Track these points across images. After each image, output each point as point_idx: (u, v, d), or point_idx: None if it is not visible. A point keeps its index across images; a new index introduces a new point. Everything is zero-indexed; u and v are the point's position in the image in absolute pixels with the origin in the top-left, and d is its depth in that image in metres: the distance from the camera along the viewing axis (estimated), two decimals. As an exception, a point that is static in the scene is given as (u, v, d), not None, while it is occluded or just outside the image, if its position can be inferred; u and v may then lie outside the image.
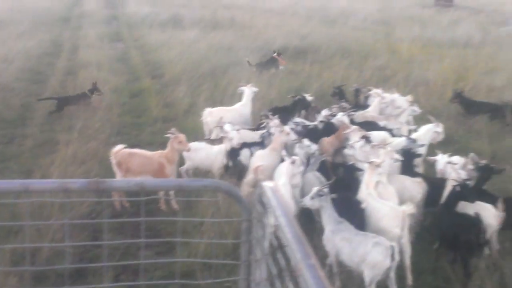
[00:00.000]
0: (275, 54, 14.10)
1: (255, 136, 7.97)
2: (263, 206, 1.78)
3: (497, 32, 21.02)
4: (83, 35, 20.32)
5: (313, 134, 7.80)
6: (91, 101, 10.93)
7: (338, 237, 5.21)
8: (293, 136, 7.19)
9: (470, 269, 5.43)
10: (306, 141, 6.94)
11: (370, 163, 6.00)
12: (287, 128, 7.32)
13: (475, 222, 5.55)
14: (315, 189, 5.47)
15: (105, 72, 13.94)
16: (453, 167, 6.35)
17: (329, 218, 5.35)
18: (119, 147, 6.91)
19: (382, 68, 14.37)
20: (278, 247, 1.54)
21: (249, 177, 6.76)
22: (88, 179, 2.06)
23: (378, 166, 5.94)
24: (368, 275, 4.96)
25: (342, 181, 6.41)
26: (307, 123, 8.41)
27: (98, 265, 4.99)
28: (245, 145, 7.52)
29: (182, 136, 6.82)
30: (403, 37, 18.73)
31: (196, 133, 8.78)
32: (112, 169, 6.93)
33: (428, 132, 7.94)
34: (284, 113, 8.85)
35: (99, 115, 10.28)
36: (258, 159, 6.86)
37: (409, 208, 5.45)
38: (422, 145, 7.34)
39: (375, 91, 9.79)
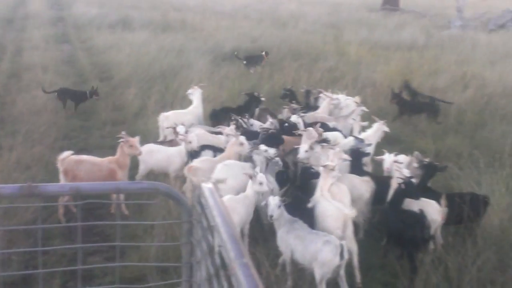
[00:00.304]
0: (263, 53, 14.81)
1: (214, 139, 7.92)
2: (201, 207, 1.78)
3: (439, 35, 21.85)
4: (27, 37, 19.60)
5: (273, 138, 7.71)
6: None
7: (292, 236, 5.28)
8: (246, 148, 6.98)
9: (416, 264, 5.60)
10: (262, 147, 6.85)
11: (324, 166, 6.05)
12: (242, 138, 7.09)
13: (420, 218, 5.74)
14: (274, 199, 5.44)
15: (50, 74, 13.51)
16: (398, 166, 6.54)
17: (283, 219, 5.41)
18: (65, 153, 6.53)
19: (331, 70, 14.65)
20: (213, 247, 1.54)
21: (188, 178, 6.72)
22: (20, 184, 1.98)
23: (332, 169, 6.00)
24: (319, 273, 5.04)
25: (299, 184, 6.58)
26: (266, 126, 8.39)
27: (33, 272, 4.84)
28: (206, 147, 7.45)
29: (132, 140, 6.66)
30: (351, 40, 19.16)
31: (147, 136, 8.64)
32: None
33: (377, 131, 8.17)
34: (238, 113, 8.88)
35: (45, 119, 9.95)
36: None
37: (351, 212, 5.62)
38: (369, 144, 7.54)
39: (325, 93, 9.96)
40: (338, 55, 16.81)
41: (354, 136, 7.73)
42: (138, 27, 20.50)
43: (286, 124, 8.36)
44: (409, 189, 5.96)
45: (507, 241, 6.17)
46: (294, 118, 8.46)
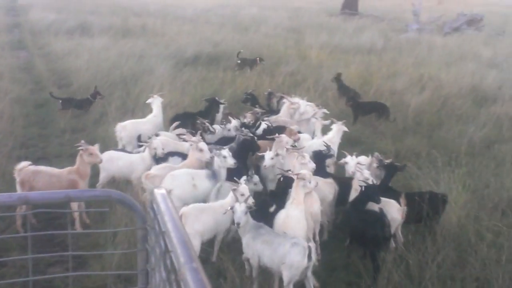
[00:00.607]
0: (258, 58, 15.35)
1: (178, 146, 7.81)
2: (154, 212, 1.75)
3: (397, 38, 22.37)
4: (-19, 44, 18.98)
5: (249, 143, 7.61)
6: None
7: (259, 241, 5.26)
8: (206, 154, 6.87)
9: (378, 262, 5.70)
10: (224, 152, 6.68)
11: (297, 175, 5.92)
12: (201, 144, 6.96)
13: (380, 217, 5.84)
14: (240, 206, 5.31)
15: (6, 81, 13.11)
16: (359, 167, 6.65)
17: (248, 226, 5.38)
18: (23, 164, 6.31)
19: (293, 73, 14.77)
20: (165, 252, 1.53)
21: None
22: (-35, 194, 1.91)
23: (304, 178, 5.87)
24: (287, 275, 5.05)
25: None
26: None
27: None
28: (175, 153, 7.40)
29: (92, 148, 6.49)
30: (312, 44, 19.38)
31: (108, 143, 8.48)
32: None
33: (337, 132, 8.27)
34: (200, 117, 8.81)
35: (1, 127, 9.64)
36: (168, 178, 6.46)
37: (310, 224, 5.78)
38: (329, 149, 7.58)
39: (286, 97, 10.01)
40: (299, 59, 16.98)
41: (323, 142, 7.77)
42: (97, 32, 20.13)
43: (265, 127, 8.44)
44: (371, 193, 6.06)
45: (465, 238, 6.34)
46: (263, 125, 8.51)
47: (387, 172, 6.91)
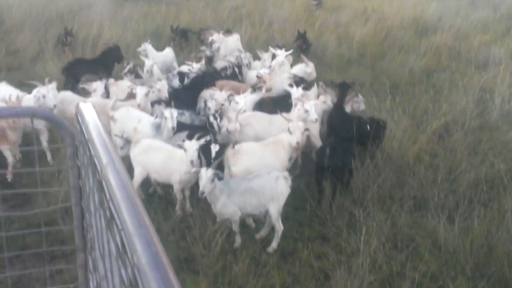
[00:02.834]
0: None
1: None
2: (80, 125, 1.73)
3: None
4: None
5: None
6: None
7: (237, 195, 5.02)
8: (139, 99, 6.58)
9: (322, 186, 5.88)
10: (166, 113, 5.98)
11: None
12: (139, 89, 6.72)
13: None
14: (207, 172, 4.78)
15: None
16: (300, 99, 6.62)
17: (218, 190, 4.93)
18: None
19: (238, 7, 14.45)
20: (90, 158, 1.52)
21: None
22: None
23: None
24: (276, 208, 5.11)
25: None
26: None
27: None
28: None
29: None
30: (257, -23, 18.92)
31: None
32: None
33: (299, 72, 8.26)
34: (94, 68, 8.00)
35: None
36: None
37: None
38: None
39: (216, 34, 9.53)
40: (244, -7, 16.58)
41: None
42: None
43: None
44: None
45: (405, 161, 6.64)
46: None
47: (340, 91, 6.99)
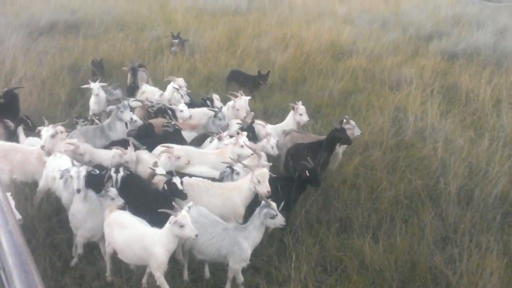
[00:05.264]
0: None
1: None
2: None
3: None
4: None
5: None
6: None
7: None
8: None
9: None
10: (72, 172, 5.22)
11: None
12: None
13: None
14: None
15: None
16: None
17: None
18: None
19: (159, 38, 14.40)
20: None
21: None
22: None
23: None
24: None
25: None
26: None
27: None
28: None
29: None
30: (177, 8, 19.04)
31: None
32: None
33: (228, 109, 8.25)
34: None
35: None
36: None
37: None
38: None
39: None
40: (165, 23, 16.59)
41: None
42: None
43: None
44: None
45: (329, 183, 6.81)
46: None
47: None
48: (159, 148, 6.29)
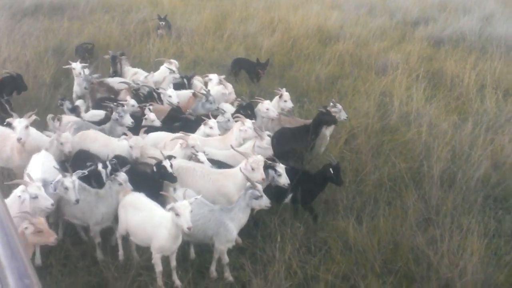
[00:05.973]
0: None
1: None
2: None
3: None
4: None
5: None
6: None
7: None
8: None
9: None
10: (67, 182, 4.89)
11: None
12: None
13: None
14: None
15: None
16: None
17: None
18: None
19: (145, 21, 14.28)
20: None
21: None
22: None
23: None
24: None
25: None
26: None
27: None
28: None
29: None
30: (164, -10, 18.82)
31: None
32: None
33: (217, 94, 8.21)
34: None
35: None
36: None
37: None
38: None
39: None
40: (151, 6, 16.43)
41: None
42: None
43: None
44: None
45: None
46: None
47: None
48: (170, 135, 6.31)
